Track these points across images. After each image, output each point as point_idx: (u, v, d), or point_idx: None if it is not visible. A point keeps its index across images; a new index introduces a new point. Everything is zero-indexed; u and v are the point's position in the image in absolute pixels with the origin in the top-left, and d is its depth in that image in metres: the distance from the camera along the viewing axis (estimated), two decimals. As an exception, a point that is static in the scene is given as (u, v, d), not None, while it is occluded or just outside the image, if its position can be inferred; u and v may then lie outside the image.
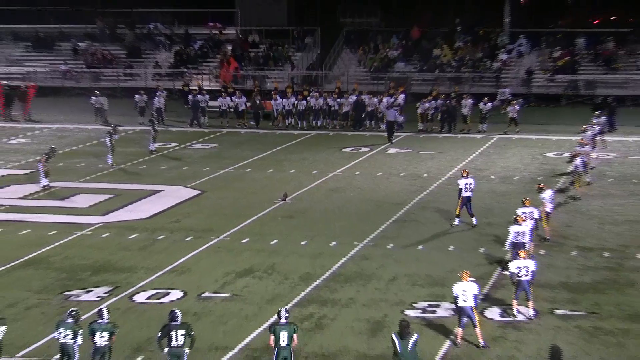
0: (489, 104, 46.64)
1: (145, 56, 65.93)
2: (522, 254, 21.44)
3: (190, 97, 50.47)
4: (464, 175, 28.87)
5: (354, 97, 48.48)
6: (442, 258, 25.58)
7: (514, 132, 45.05)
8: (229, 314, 21.52)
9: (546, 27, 69.78)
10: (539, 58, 60.71)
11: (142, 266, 25.08)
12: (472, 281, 19.61)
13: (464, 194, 28.39)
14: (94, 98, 50.76)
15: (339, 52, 64.49)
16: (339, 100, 48.84)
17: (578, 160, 32.14)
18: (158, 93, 49.96)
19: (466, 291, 19.26)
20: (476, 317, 19.45)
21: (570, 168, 32.37)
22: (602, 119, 42.20)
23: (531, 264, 20.90)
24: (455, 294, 19.40)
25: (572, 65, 58.96)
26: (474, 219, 28.48)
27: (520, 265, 20.83)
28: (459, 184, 28.62)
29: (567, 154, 38.50)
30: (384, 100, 47.22)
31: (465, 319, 19.39)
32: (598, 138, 39.50)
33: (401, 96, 47.36)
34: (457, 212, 28.69)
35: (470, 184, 28.50)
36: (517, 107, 46.14)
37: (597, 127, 39.51)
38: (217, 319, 21.26)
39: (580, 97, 56.46)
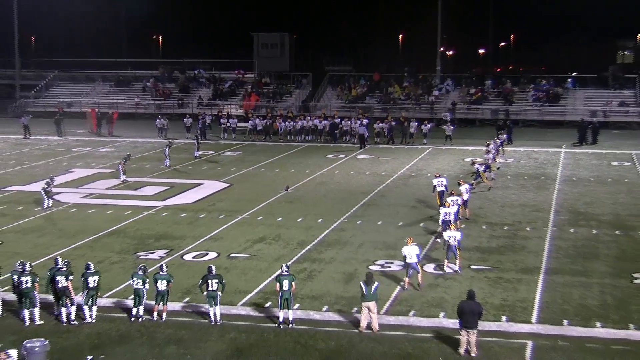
0: (428, 125, 46.72)
1: (192, 92, 65.54)
2: (452, 227, 21.38)
3: (221, 120, 50.07)
4: (437, 176, 27.62)
5: (329, 121, 48.38)
6: (394, 230, 25.50)
7: (449, 145, 44.88)
8: (249, 268, 21.42)
9: (465, 72, 70.27)
10: (460, 94, 60.70)
11: (189, 235, 24.95)
12: (414, 245, 19.53)
13: (438, 189, 26.76)
14: (157, 120, 50.47)
15: (324, 89, 64.29)
16: (324, 122, 48.68)
17: (477, 165, 32.02)
18: (200, 117, 49.66)
19: (411, 252, 19.20)
20: (419, 268, 19.44)
21: (475, 170, 32.27)
22: (504, 136, 42.35)
23: (458, 234, 20.84)
24: (403, 254, 19.34)
25: (483, 99, 59.13)
26: None
27: (450, 235, 20.77)
28: (433, 182, 27.28)
29: (468, 159, 38.62)
30: (358, 121, 47.12)
31: (411, 271, 19.33)
32: (500, 148, 39.57)
33: (365, 120, 47.17)
34: (439, 203, 26.72)
35: (442, 181, 26.81)
36: (451, 127, 46.15)
37: (499, 141, 39.62)
38: (240, 271, 21.16)
39: (488, 120, 56.57)
